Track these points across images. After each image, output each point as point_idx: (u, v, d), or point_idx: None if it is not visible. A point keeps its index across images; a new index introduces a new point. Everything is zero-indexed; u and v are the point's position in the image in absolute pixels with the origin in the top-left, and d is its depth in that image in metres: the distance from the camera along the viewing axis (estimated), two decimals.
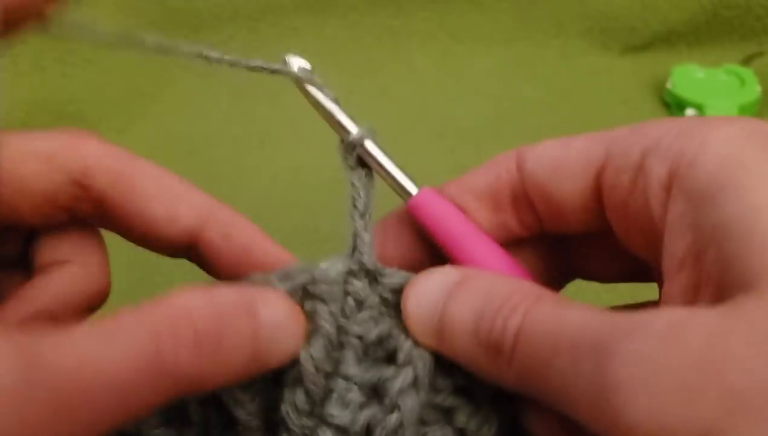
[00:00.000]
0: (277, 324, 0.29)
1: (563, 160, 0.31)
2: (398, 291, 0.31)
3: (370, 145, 0.33)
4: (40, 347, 0.25)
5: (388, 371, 0.30)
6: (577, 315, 0.24)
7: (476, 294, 0.28)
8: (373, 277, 0.31)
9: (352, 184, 0.33)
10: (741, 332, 0.21)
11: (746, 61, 0.77)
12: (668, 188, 0.27)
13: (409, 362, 0.30)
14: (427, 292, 0.29)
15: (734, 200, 0.24)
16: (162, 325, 0.27)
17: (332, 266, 0.31)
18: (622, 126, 0.30)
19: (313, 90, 0.34)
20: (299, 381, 0.30)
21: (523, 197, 0.32)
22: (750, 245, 0.23)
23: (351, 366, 0.30)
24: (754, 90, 0.72)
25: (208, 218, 0.33)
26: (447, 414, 0.31)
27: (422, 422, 0.31)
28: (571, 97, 0.76)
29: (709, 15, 0.80)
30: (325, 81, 0.36)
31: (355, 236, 0.32)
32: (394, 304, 0.31)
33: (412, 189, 0.33)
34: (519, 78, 0.79)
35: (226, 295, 0.29)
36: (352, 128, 0.34)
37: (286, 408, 0.30)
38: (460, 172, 0.33)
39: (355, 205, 0.33)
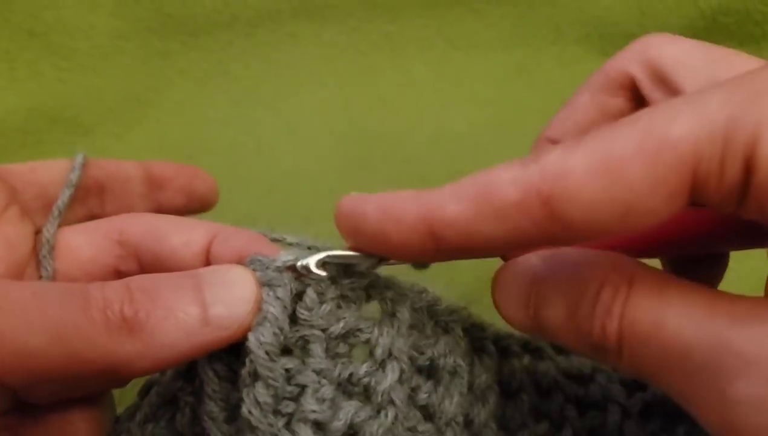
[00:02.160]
0: (222, 273, 0.30)
1: (631, 202, 0.24)
2: (357, 290, 0.31)
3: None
4: None
5: (363, 367, 0.31)
6: (675, 322, 0.24)
7: (564, 286, 0.27)
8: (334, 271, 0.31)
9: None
10: None
11: None
12: None
13: (389, 356, 0.31)
14: (513, 286, 0.29)
15: None
16: (97, 282, 0.29)
17: (285, 255, 0.31)
18: (656, 114, 0.24)
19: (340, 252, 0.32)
20: (255, 374, 0.30)
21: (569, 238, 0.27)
22: None
23: (321, 360, 0.31)
24: None
25: (216, 236, 0.36)
26: (410, 394, 0.32)
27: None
28: None
29: (707, 21, 0.80)
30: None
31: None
32: (353, 300, 0.32)
33: None
34: (517, 84, 0.79)
35: (169, 273, 0.31)
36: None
37: (247, 408, 0.29)
38: (458, 179, 0.33)
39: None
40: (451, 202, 0.26)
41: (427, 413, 0.32)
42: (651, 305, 0.25)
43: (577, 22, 0.81)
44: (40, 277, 0.36)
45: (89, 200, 0.40)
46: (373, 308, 0.32)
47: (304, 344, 0.30)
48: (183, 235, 0.36)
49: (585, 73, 0.82)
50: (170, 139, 0.72)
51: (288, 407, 0.30)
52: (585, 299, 0.26)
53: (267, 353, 0.29)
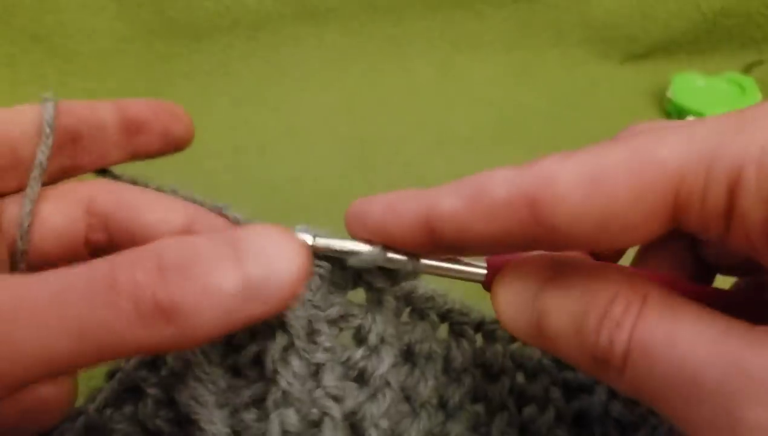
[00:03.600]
0: (263, 240, 0.27)
1: (613, 213, 0.25)
2: (345, 272, 0.31)
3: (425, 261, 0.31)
4: None
5: (358, 351, 0.31)
6: (689, 341, 0.23)
7: (573, 294, 0.27)
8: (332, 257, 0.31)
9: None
10: None
11: (747, 70, 0.77)
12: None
13: (382, 341, 0.31)
14: (518, 291, 0.28)
15: None
16: (123, 257, 0.26)
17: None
18: (671, 135, 0.25)
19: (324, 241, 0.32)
20: (292, 346, 0.30)
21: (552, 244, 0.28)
22: None
23: (328, 338, 0.31)
24: (755, 98, 0.72)
25: (195, 218, 0.35)
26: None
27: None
28: (571, 106, 0.76)
29: (709, 23, 0.80)
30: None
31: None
32: (343, 284, 0.32)
33: (481, 268, 0.31)
34: (519, 86, 0.79)
35: (206, 234, 0.28)
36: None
37: (286, 380, 0.30)
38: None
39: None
40: (447, 198, 0.27)
41: (405, 395, 0.33)
42: (664, 322, 0.24)
43: (579, 25, 0.81)
44: (13, 252, 0.33)
45: (62, 153, 0.35)
46: (358, 295, 0.33)
47: (309, 324, 0.31)
48: (158, 213, 0.34)
49: (587, 75, 0.82)
50: None
51: (310, 384, 0.31)
52: (594, 310, 0.26)
53: (303, 327, 0.30)
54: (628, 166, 0.24)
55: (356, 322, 0.32)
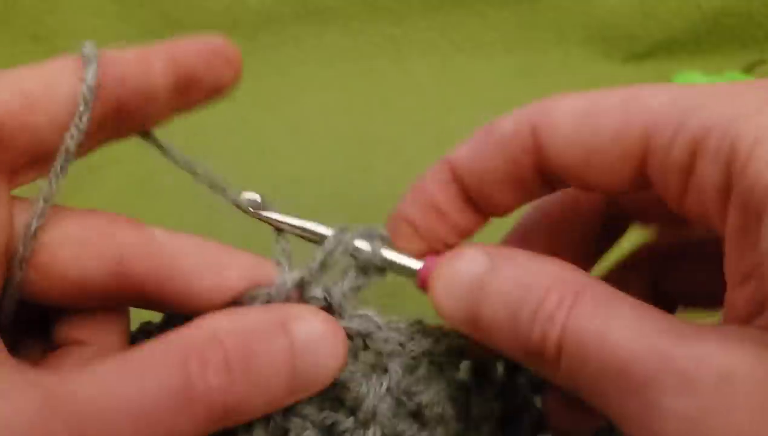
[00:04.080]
0: (315, 339, 0.27)
1: (597, 148, 0.27)
2: (356, 336, 0.30)
3: (360, 243, 0.32)
4: (60, 381, 0.24)
5: (346, 422, 0.30)
6: (620, 335, 0.23)
7: (508, 287, 0.27)
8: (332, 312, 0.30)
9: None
10: None
11: (748, 69, 0.77)
12: (724, 192, 0.24)
13: (372, 419, 0.30)
14: (456, 281, 0.28)
15: None
16: (190, 350, 0.26)
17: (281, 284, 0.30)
18: (649, 89, 0.27)
19: (272, 215, 0.33)
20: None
21: (547, 175, 0.29)
22: None
23: (306, 405, 0.30)
24: None
25: (257, 280, 0.30)
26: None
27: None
28: None
29: (710, 23, 0.79)
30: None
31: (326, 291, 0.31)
32: (351, 346, 0.30)
33: (415, 264, 0.31)
34: (520, 86, 0.79)
35: (255, 313, 0.28)
36: (327, 231, 0.32)
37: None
38: None
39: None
40: (463, 146, 0.30)
41: None
42: (596, 316, 0.24)
43: (580, 25, 0.81)
44: (5, 285, 0.28)
45: (102, 129, 0.30)
46: (369, 356, 0.32)
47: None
48: (210, 277, 0.29)
49: (588, 75, 0.82)
50: (173, 143, 0.72)
51: None
52: (528, 303, 0.26)
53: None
54: (617, 108, 0.26)
55: (352, 394, 0.30)
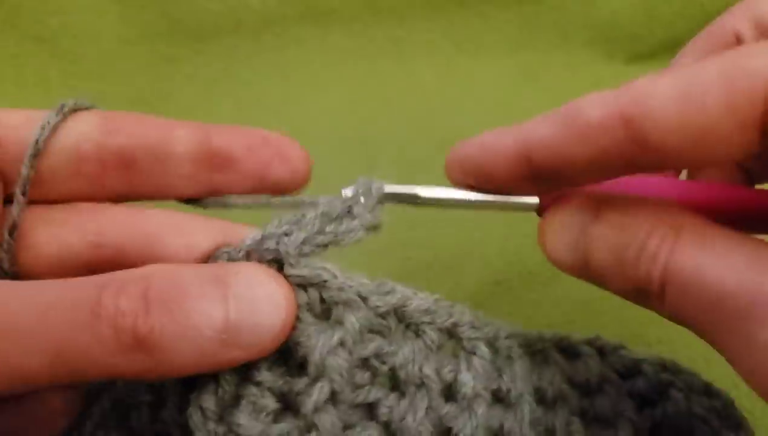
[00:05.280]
0: (252, 291, 0.26)
1: (708, 126, 0.25)
2: (309, 287, 0.28)
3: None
4: None
5: (299, 382, 0.28)
6: (714, 271, 0.25)
7: (612, 232, 0.28)
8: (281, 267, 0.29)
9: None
10: None
11: None
12: None
13: (321, 374, 0.28)
14: (564, 229, 0.30)
15: None
16: (111, 280, 0.25)
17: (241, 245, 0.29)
18: (745, 50, 0.25)
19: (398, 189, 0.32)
20: (210, 380, 0.28)
21: (643, 167, 0.28)
22: None
23: (263, 372, 0.28)
24: None
25: (226, 241, 0.31)
26: (369, 410, 0.29)
27: (343, 427, 0.28)
28: None
29: None
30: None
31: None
32: (304, 304, 0.28)
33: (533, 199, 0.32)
34: (524, 88, 0.79)
35: (196, 266, 0.27)
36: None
37: (192, 412, 0.28)
38: None
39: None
40: (542, 126, 0.28)
41: (389, 432, 0.29)
42: (694, 253, 0.25)
43: (583, 26, 0.81)
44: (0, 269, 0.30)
45: (106, 175, 0.31)
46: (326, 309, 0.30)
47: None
48: (182, 238, 0.30)
49: (592, 76, 0.82)
50: None
51: (227, 414, 0.28)
52: (632, 244, 0.27)
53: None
54: (719, 80, 0.24)
55: (302, 351, 0.28)
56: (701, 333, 0.26)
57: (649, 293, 0.27)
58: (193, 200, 0.33)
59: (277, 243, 0.29)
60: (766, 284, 0.23)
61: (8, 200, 0.31)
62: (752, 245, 0.25)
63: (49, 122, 0.30)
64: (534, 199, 0.32)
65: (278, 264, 0.29)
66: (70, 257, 0.30)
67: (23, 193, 0.30)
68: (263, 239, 0.29)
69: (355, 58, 0.80)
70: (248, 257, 0.29)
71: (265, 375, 0.28)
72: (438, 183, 0.33)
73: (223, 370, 0.27)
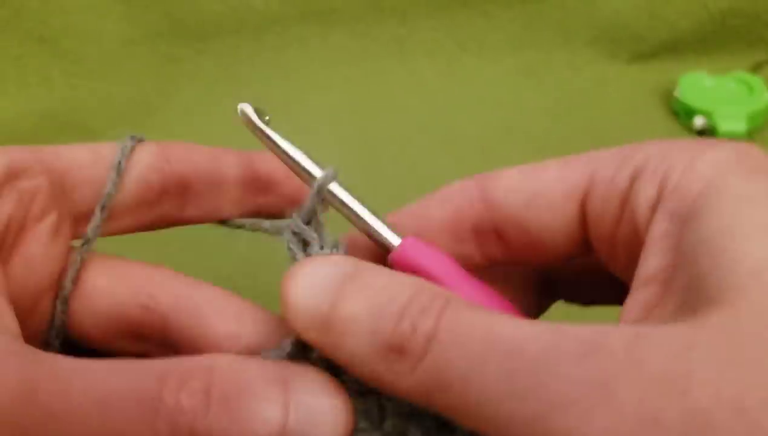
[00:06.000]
0: (314, 402, 0.25)
1: (540, 190, 0.29)
2: (368, 395, 0.27)
3: (336, 189, 0.30)
4: (44, 367, 0.24)
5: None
6: (511, 325, 0.22)
7: (374, 289, 0.25)
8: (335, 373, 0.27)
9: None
10: (704, 347, 0.20)
11: (755, 69, 0.77)
12: (654, 209, 0.26)
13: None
14: (315, 280, 0.26)
15: (709, 222, 0.23)
16: (176, 369, 0.25)
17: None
18: (603, 149, 0.29)
19: (272, 134, 0.32)
20: None
21: (489, 230, 0.30)
22: (718, 262, 0.22)
23: None
24: (763, 98, 0.72)
25: (273, 334, 0.30)
26: None
27: None
28: (578, 106, 0.76)
29: (716, 23, 0.79)
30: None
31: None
32: (363, 412, 0.27)
33: (394, 240, 0.29)
34: (526, 87, 0.79)
35: (261, 362, 0.26)
36: (316, 172, 0.30)
37: None
38: None
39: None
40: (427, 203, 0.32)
41: None
42: (477, 314, 0.23)
43: (586, 25, 0.81)
44: (54, 311, 0.31)
45: (165, 202, 0.32)
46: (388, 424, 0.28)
47: None
48: (229, 324, 0.30)
49: (594, 75, 0.82)
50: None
51: None
52: (396, 300, 0.24)
53: None
54: (559, 161, 0.29)
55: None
56: (471, 391, 0.22)
57: (403, 353, 0.23)
58: (225, 222, 0.34)
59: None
60: (567, 328, 0.21)
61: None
62: (549, 325, 0.23)
63: (120, 164, 0.31)
64: (396, 241, 0.29)
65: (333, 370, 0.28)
66: (119, 313, 0.31)
67: (89, 241, 0.31)
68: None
69: (357, 57, 0.80)
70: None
71: None
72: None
73: None
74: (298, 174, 0.30)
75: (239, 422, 0.24)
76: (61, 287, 0.31)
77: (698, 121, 0.71)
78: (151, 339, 0.31)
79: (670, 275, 0.24)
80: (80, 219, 0.31)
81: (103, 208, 0.31)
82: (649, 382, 0.19)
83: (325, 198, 0.29)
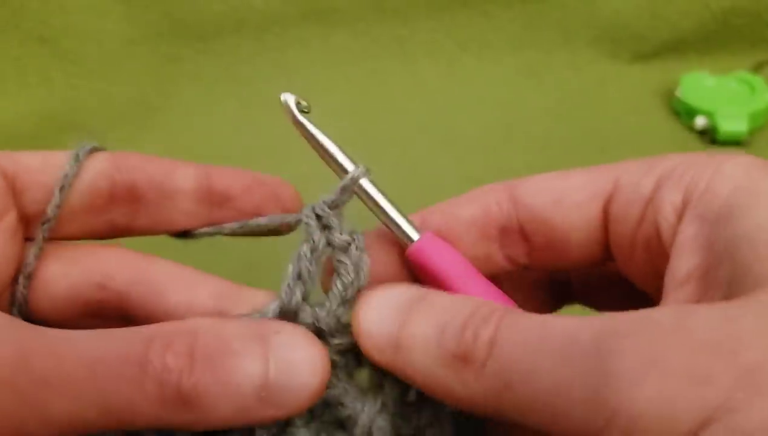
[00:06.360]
0: (293, 353, 0.27)
1: (566, 192, 0.31)
2: (347, 353, 0.30)
3: (367, 185, 0.31)
4: (36, 337, 0.26)
5: None
6: (564, 321, 0.23)
7: (439, 309, 0.27)
8: (320, 334, 0.29)
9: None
10: (752, 317, 0.21)
11: (756, 69, 0.77)
12: (681, 214, 0.27)
13: (368, 434, 0.29)
14: (385, 306, 0.28)
15: (746, 219, 0.25)
16: (160, 332, 0.27)
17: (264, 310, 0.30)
18: (628, 160, 0.31)
19: (311, 127, 0.34)
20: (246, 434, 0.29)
21: (515, 232, 0.32)
22: (758, 254, 0.23)
23: (300, 429, 0.30)
24: (765, 98, 0.71)
25: (228, 299, 0.32)
26: None
27: None
28: (579, 106, 0.76)
29: (718, 23, 0.79)
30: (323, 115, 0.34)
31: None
32: (342, 366, 0.30)
33: (414, 234, 0.31)
34: (527, 87, 0.79)
35: (238, 322, 0.28)
36: (350, 166, 0.32)
37: None
38: (468, 181, 0.33)
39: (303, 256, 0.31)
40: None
41: None
42: (533, 317, 0.25)
43: (587, 25, 0.81)
44: (12, 304, 0.32)
45: (114, 209, 0.33)
46: (363, 374, 0.31)
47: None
48: (183, 293, 0.32)
49: (595, 75, 0.82)
50: (180, 143, 0.72)
51: None
52: (460, 314, 0.26)
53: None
54: (586, 170, 0.31)
55: (346, 412, 0.30)
56: (529, 389, 0.23)
57: (467, 361, 0.25)
58: (183, 234, 0.34)
59: (315, 319, 0.30)
60: (617, 320, 0.23)
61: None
62: (599, 315, 0.25)
63: (71, 168, 0.32)
64: (415, 235, 0.31)
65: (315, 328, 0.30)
66: (75, 295, 0.32)
67: (43, 238, 0.32)
68: (293, 308, 0.30)
69: (358, 57, 0.80)
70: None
71: (302, 433, 0.30)
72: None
73: (259, 425, 0.29)
74: (331, 166, 0.32)
75: (223, 377, 0.26)
76: (24, 269, 0.32)
77: (699, 121, 0.70)
78: (110, 317, 0.33)
79: (705, 272, 0.25)
80: (30, 221, 0.33)
81: (62, 188, 0.32)
82: (698, 345, 0.21)
83: (355, 191, 0.31)
